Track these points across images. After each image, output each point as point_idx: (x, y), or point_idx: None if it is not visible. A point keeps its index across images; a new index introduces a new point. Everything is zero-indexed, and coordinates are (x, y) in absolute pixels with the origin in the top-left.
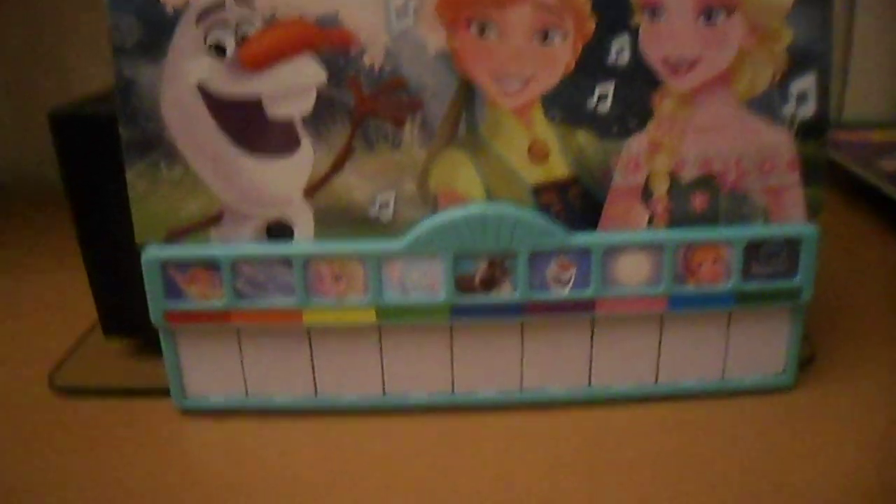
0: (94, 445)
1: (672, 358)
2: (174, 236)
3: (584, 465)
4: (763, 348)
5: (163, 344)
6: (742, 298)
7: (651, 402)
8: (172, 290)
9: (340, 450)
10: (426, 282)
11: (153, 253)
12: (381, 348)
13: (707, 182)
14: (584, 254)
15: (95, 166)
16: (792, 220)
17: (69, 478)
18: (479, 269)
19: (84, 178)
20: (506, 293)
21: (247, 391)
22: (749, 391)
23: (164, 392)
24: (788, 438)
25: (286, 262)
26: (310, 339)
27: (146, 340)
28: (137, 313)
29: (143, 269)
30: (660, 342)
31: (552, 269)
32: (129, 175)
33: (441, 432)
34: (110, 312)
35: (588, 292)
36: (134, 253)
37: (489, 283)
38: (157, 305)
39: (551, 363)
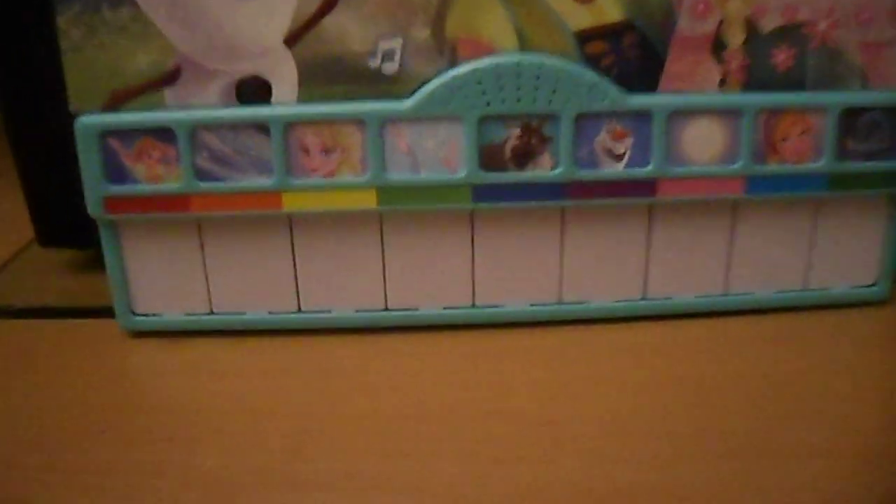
0: (21, 375)
1: (745, 262)
2: (118, 100)
3: (638, 387)
4: (854, 253)
5: (104, 245)
6: (835, 182)
7: (717, 317)
8: (115, 170)
9: (330, 376)
10: (442, 154)
11: (90, 120)
12: (382, 247)
13: (792, 33)
14: (642, 119)
15: (21, 23)
16: (895, 84)
17: None
18: (511, 138)
19: (7, 38)
20: (544, 169)
21: (211, 306)
22: (834, 304)
23: (108, 311)
24: (878, 359)
25: (262, 129)
26: (292, 235)
27: (93, 253)
28: (79, 217)
29: (78, 141)
30: (731, 241)
31: (602, 138)
32: (61, 21)
33: (457, 355)
34: (46, 216)
35: (647, 169)
36: (73, 134)
37: (523, 156)
38: (95, 191)
39: (598, 267)
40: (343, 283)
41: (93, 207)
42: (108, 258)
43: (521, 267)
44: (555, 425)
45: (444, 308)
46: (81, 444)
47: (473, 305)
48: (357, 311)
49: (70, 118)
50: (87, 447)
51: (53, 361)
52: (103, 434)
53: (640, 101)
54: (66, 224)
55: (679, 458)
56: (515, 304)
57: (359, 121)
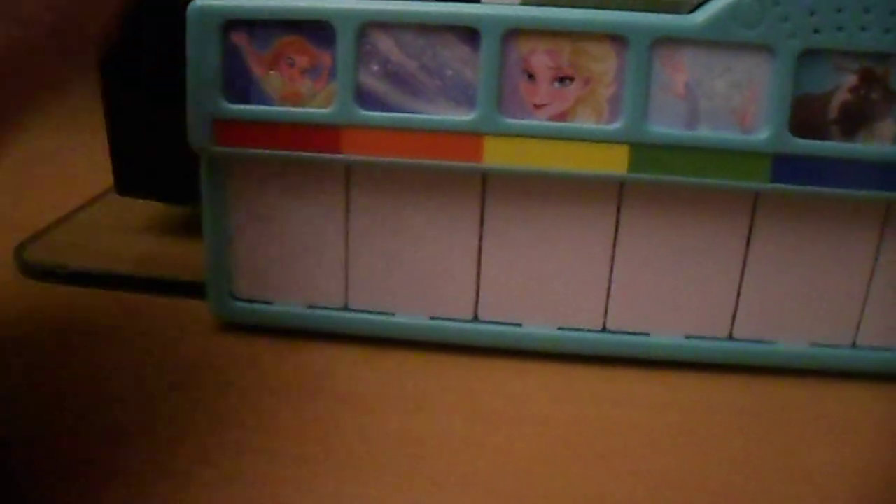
0: (62, 363)
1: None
2: None
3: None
4: None
5: (204, 193)
6: None
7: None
8: (237, 81)
9: (524, 425)
10: (736, 103)
11: (209, 4)
12: (615, 238)
13: None
14: None
15: None
16: None
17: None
18: (841, 89)
19: None
20: (881, 139)
21: (346, 299)
22: None
23: (196, 288)
24: None
25: (467, 36)
26: (483, 206)
27: (188, 212)
28: (174, 155)
29: (189, 34)
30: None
31: None
32: None
33: (718, 412)
34: (128, 150)
35: None
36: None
37: (855, 119)
38: (202, 109)
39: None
40: (546, 285)
41: (196, 135)
42: (208, 213)
43: (820, 295)
44: None
45: (687, 337)
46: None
47: (730, 337)
48: (560, 328)
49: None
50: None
51: (107, 350)
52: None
53: None
54: (154, 163)
55: None
56: (791, 342)
57: (618, 37)
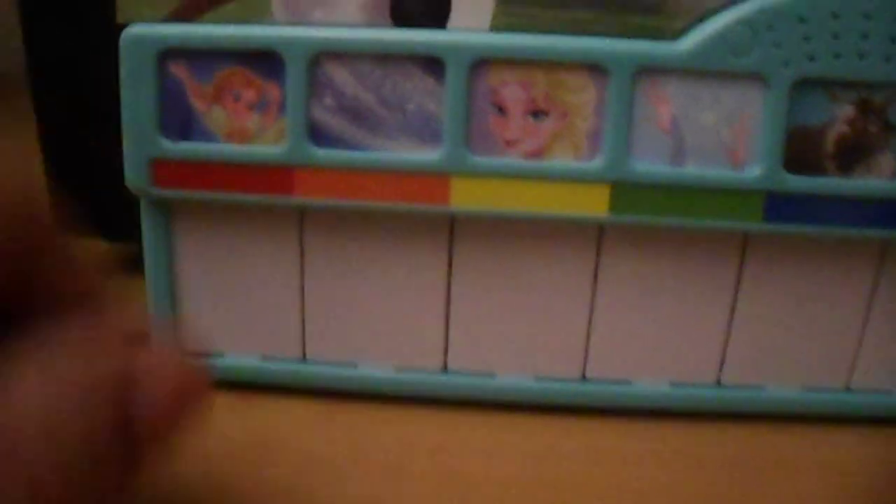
0: None
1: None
2: (194, 7)
3: None
4: None
5: (145, 239)
6: None
7: None
8: (177, 116)
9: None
10: (725, 137)
11: (144, 32)
12: (595, 285)
13: None
14: None
15: None
16: None
17: None
18: (837, 121)
19: None
20: (879, 176)
21: (304, 349)
22: None
23: None
24: None
25: (430, 66)
26: (451, 251)
27: (126, 249)
28: (106, 188)
29: (123, 65)
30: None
31: None
32: None
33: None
34: (67, 183)
35: None
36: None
37: (852, 153)
38: (140, 147)
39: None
40: (520, 334)
41: (133, 175)
42: (150, 260)
43: (812, 337)
44: None
45: (672, 384)
46: None
47: (718, 384)
48: (537, 378)
49: (114, 31)
50: None
51: None
52: None
53: None
54: (88, 196)
55: None
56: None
57: (597, 67)
